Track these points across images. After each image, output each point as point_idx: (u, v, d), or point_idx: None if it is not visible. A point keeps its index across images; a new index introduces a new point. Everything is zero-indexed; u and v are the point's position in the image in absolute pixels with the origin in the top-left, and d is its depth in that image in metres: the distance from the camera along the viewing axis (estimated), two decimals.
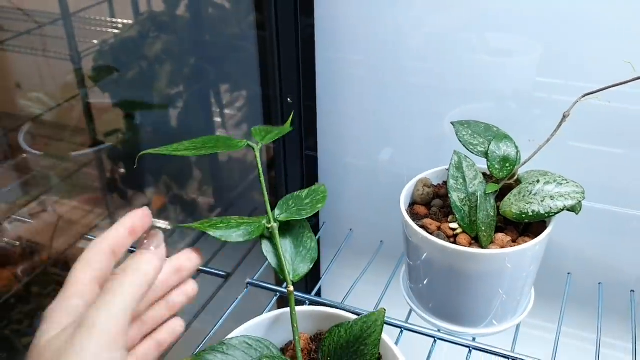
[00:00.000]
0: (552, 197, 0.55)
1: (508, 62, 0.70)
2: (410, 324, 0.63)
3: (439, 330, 0.62)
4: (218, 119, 0.99)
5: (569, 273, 0.70)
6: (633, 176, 0.68)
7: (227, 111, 0.98)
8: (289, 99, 0.73)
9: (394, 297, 0.68)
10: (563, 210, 0.54)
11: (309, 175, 0.82)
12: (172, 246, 0.43)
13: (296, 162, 0.80)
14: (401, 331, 0.63)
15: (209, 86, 0.95)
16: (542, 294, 0.65)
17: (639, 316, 0.66)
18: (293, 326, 0.45)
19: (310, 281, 0.85)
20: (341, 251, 0.76)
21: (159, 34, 0.90)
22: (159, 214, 1.05)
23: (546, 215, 0.55)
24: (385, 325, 0.61)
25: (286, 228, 0.49)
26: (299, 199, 0.50)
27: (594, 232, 0.72)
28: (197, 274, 0.83)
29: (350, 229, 0.80)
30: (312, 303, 0.64)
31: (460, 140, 0.60)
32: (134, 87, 0.95)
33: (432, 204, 0.62)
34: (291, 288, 0.46)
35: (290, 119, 0.58)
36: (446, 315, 0.62)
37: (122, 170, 1.05)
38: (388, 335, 0.46)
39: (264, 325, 0.47)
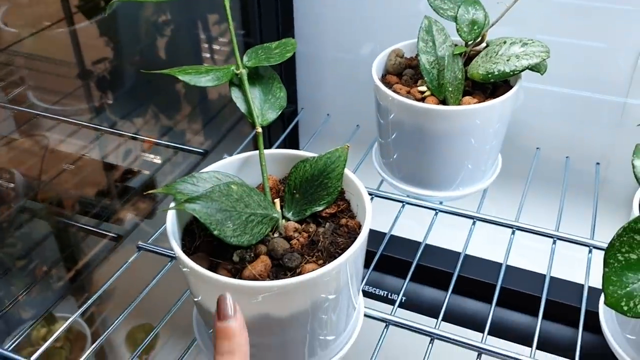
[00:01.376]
0: (517, 57, 0.56)
1: None
2: (382, 191, 0.66)
3: (407, 196, 0.65)
4: (207, 55, 0.99)
5: (537, 148, 0.72)
6: (600, 66, 0.70)
7: (215, 46, 0.98)
8: None
9: (366, 172, 0.70)
10: (527, 68, 0.56)
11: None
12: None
13: None
14: (372, 198, 0.66)
15: (195, 16, 0.94)
16: (511, 168, 0.67)
17: (602, 187, 0.69)
18: (261, 164, 0.47)
19: None
20: (319, 135, 0.78)
21: None
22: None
23: (511, 73, 0.56)
24: None
25: (256, 78, 0.50)
26: (268, 49, 0.51)
27: (563, 114, 0.74)
28: (177, 151, 0.85)
29: (328, 114, 0.82)
30: None
31: (431, 6, 0.61)
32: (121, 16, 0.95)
33: (404, 73, 0.64)
34: (259, 129, 0.48)
35: None
36: (415, 181, 0.64)
37: (110, 101, 1.05)
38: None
39: (235, 165, 0.49)
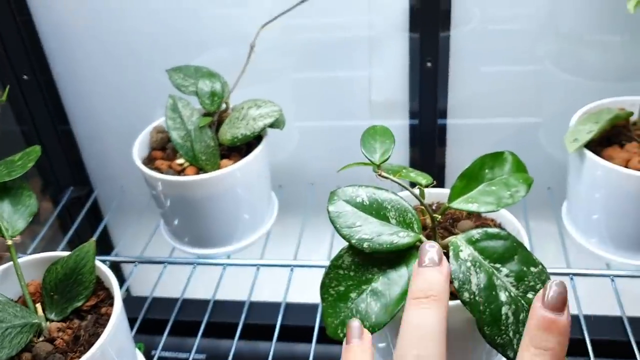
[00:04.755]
0: (254, 119, 0.63)
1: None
2: (173, 258, 0.70)
3: (198, 257, 0.69)
4: None
5: (312, 184, 0.80)
6: (345, 96, 0.79)
7: None
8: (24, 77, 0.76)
9: (159, 242, 0.73)
10: (265, 128, 0.63)
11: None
12: None
13: (53, 139, 0.83)
14: (165, 265, 0.70)
15: None
16: (293, 205, 0.74)
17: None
18: (17, 274, 0.50)
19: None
20: (118, 209, 0.81)
21: None
22: None
23: (252, 135, 0.63)
24: (149, 264, 0.68)
25: (4, 192, 0.53)
26: (11, 163, 0.54)
27: (330, 145, 0.82)
28: None
29: (122, 187, 0.85)
30: None
31: (173, 85, 0.66)
32: None
33: (167, 147, 0.69)
34: (10, 242, 0.50)
35: (6, 92, 0.60)
36: (201, 243, 0.69)
37: None
38: (103, 264, 0.51)
39: None
